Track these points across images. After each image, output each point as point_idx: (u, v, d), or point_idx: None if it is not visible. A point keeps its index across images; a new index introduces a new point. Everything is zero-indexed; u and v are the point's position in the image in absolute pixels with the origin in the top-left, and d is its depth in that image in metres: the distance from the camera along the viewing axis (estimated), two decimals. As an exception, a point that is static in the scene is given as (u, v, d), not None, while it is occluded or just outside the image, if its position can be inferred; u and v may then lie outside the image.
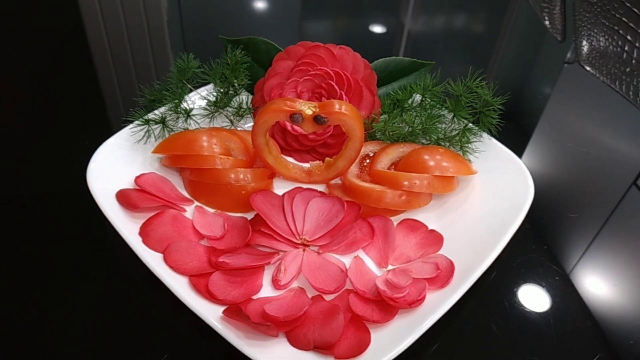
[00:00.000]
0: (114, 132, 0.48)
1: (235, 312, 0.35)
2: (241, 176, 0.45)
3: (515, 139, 0.57)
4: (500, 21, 0.66)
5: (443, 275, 0.40)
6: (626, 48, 0.83)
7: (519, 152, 0.51)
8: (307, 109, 0.43)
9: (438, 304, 0.37)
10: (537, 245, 0.46)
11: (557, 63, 0.74)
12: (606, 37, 0.88)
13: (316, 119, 0.43)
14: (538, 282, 0.43)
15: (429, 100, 0.51)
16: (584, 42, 0.88)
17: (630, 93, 0.74)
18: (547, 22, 0.92)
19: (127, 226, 0.40)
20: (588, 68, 0.78)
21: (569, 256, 0.46)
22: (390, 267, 0.42)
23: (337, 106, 0.43)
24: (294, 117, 0.43)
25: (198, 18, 0.82)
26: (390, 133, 0.49)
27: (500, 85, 0.51)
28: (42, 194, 0.48)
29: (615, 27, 0.88)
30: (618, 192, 0.52)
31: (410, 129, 0.49)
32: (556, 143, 0.50)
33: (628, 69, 0.79)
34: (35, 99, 0.60)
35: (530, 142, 0.59)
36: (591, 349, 0.39)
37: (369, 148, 0.50)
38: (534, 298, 0.42)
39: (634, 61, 0.80)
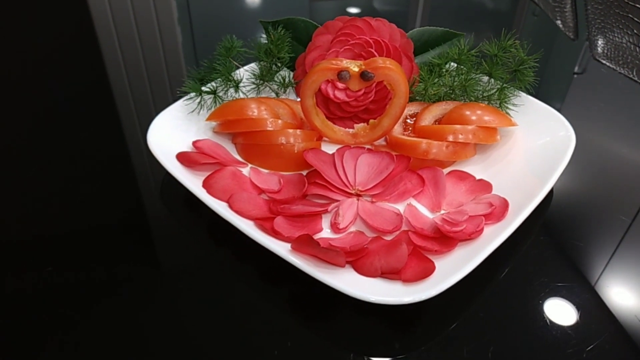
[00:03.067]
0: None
1: (304, 241, 0.36)
2: (291, 137, 0.47)
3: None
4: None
5: (497, 211, 0.41)
6: (642, 35, 0.85)
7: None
8: (354, 66, 0.46)
9: (496, 234, 0.38)
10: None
11: (567, 75, 0.75)
12: (620, 26, 0.90)
13: (363, 74, 0.46)
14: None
15: (464, 66, 0.53)
16: (598, 36, 0.90)
17: (650, 80, 0.75)
18: (559, 22, 0.94)
19: (191, 180, 0.42)
20: (604, 62, 0.80)
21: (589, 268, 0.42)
22: (443, 211, 0.44)
23: (381, 61, 0.45)
24: (342, 74, 0.46)
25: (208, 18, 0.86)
26: (432, 93, 0.51)
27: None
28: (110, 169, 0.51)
29: (630, 15, 0.90)
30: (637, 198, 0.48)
31: (450, 89, 0.51)
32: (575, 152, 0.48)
33: (645, 56, 0.80)
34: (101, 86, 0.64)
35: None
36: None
37: (410, 109, 0.52)
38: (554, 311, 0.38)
39: (650, 47, 0.81)
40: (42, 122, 0.57)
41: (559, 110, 0.51)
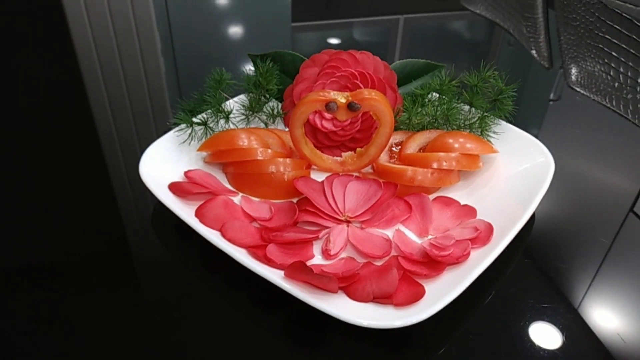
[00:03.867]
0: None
1: (297, 268, 0.37)
2: (281, 165, 0.48)
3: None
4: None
5: (483, 235, 0.43)
6: (612, 64, 0.89)
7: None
8: (341, 97, 0.47)
9: (482, 258, 0.40)
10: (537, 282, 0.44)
11: (544, 102, 0.77)
12: (592, 56, 0.94)
13: (350, 105, 0.47)
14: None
15: (446, 96, 0.55)
16: (572, 65, 0.93)
17: (621, 107, 0.79)
18: (533, 52, 0.98)
19: (184, 210, 0.43)
20: (578, 89, 0.83)
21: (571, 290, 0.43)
22: (430, 236, 0.45)
23: (367, 93, 0.47)
24: (330, 105, 0.47)
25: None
26: (416, 122, 0.53)
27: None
28: (99, 195, 0.51)
29: (600, 45, 0.95)
30: (616, 221, 0.50)
31: (433, 118, 0.53)
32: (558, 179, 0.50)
33: (616, 84, 0.84)
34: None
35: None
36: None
37: (395, 138, 0.54)
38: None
39: (621, 76, 0.85)
40: (30, 155, 0.58)
41: (536, 136, 0.53)
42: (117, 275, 0.42)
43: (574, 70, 0.91)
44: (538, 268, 0.45)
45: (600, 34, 0.98)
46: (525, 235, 0.47)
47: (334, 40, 0.97)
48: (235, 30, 0.95)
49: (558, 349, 0.37)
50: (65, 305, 0.39)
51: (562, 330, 0.39)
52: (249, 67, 0.57)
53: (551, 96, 0.81)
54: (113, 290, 0.41)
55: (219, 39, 0.91)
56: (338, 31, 1.04)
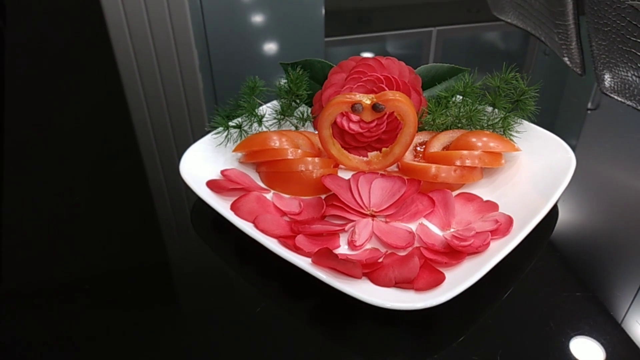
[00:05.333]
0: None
1: (323, 254, 0.40)
2: (310, 164, 0.51)
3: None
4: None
5: (503, 227, 0.44)
6: (646, 68, 0.88)
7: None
8: (366, 99, 0.50)
9: (501, 247, 0.41)
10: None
11: (581, 111, 0.76)
12: (625, 61, 0.93)
13: (374, 106, 0.50)
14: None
15: (470, 98, 0.57)
16: (605, 71, 0.93)
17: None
18: (566, 59, 0.98)
19: (220, 204, 0.47)
20: (613, 95, 0.83)
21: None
22: (452, 229, 0.47)
23: (391, 94, 0.50)
24: (355, 106, 0.50)
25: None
26: (440, 123, 0.55)
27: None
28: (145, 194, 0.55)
29: (633, 50, 0.94)
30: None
31: (456, 119, 0.55)
32: (591, 187, 0.52)
33: (651, 89, 0.83)
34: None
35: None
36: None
37: (419, 138, 0.56)
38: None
39: (656, 80, 0.84)
40: (78, 161, 0.63)
41: (575, 145, 0.53)
42: (161, 264, 0.46)
43: (607, 76, 0.91)
44: (558, 259, 0.46)
45: (632, 38, 0.97)
46: (547, 232, 0.48)
47: (366, 54, 1.00)
48: (270, 47, 0.99)
49: (574, 331, 0.38)
50: (117, 289, 0.43)
51: (580, 315, 0.40)
52: (281, 77, 0.60)
53: (589, 105, 0.81)
54: (157, 277, 0.45)
55: (254, 55, 0.95)
56: (371, 45, 1.06)
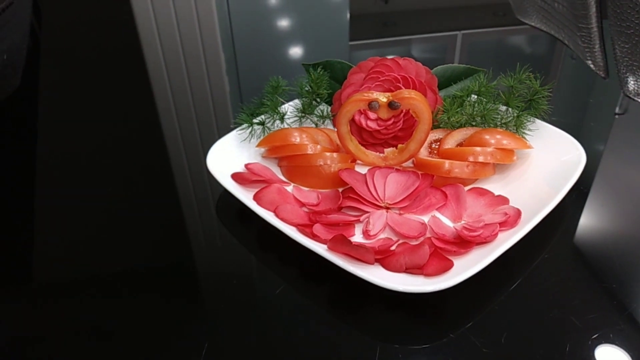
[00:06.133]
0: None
1: (338, 240, 0.42)
2: (329, 159, 0.54)
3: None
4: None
5: (511, 219, 0.46)
6: (670, 71, 0.88)
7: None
8: (383, 97, 0.53)
9: (509, 237, 0.44)
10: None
11: (608, 116, 0.76)
12: (648, 63, 0.93)
13: (390, 104, 0.53)
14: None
15: (484, 98, 0.59)
16: (628, 74, 0.93)
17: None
18: (589, 62, 0.98)
19: (244, 195, 0.50)
20: (636, 99, 0.82)
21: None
22: (463, 221, 0.49)
23: (406, 93, 0.52)
24: (372, 104, 0.53)
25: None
26: (454, 121, 0.57)
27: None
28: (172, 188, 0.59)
29: (657, 52, 0.94)
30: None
31: (471, 117, 0.57)
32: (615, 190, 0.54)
33: (676, 92, 0.83)
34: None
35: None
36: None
37: (434, 135, 0.58)
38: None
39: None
40: (111, 157, 0.67)
41: (601, 150, 0.54)
42: (190, 251, 0.50)
43: (630, 79, 0.91)
44: (565, 253, 0.48)
45: (655, 40, 0.97)
46: (556, 226, 0.50)
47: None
48: (295, 50, 1.02)
49: (577, 317, 0.40)
50: (149, 275, 0.47)
51: (584, 301, 0.42)
52: (303, 77, 0.64)
53: (617, 110, 0.81)
54: (186, 262, 0.48)
55: (280, 57, 0.99)
56: (396, 48, 1.07)
